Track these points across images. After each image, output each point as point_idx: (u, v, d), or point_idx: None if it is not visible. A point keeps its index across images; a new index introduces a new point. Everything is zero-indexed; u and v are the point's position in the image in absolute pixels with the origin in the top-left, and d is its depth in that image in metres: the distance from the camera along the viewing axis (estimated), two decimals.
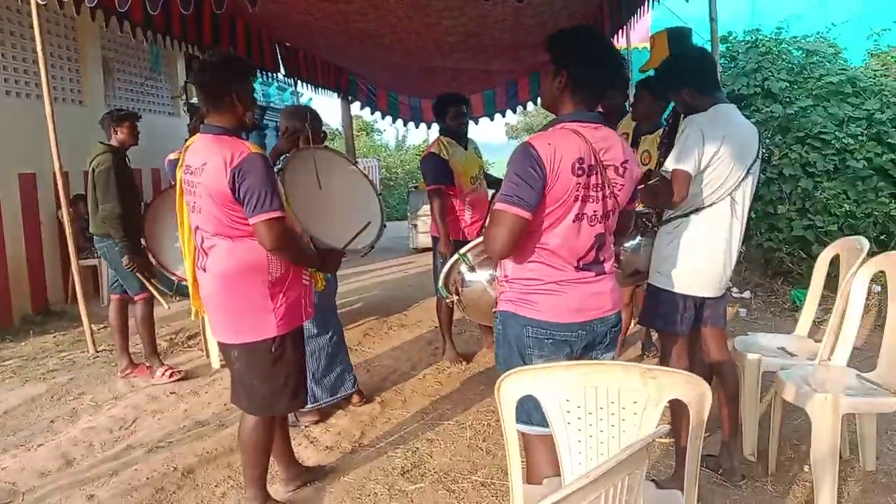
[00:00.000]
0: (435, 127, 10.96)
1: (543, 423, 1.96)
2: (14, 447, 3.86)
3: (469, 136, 5.04)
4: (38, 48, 5.33)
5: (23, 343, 6.02)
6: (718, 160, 2.84)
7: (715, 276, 2.99)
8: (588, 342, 2.34)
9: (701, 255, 2.95)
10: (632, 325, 5.09)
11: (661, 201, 2.97)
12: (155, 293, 4.91)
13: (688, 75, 3.02)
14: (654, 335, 4.71)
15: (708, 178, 2.87)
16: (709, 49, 5.29)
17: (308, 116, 3.97)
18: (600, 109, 2.43)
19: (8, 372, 5.21)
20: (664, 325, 3.09)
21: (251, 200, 2.57)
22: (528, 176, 2.15)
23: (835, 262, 3.59)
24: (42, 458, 3.70)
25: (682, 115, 3.17)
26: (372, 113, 11.33)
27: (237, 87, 2.71)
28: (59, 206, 6.27)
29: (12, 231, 6.69)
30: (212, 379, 4.93)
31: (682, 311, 3.00)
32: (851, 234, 4.69)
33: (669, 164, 2.85)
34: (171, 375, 4.90)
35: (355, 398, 4.27)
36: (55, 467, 3.62)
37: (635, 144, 4.38)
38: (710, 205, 2.91)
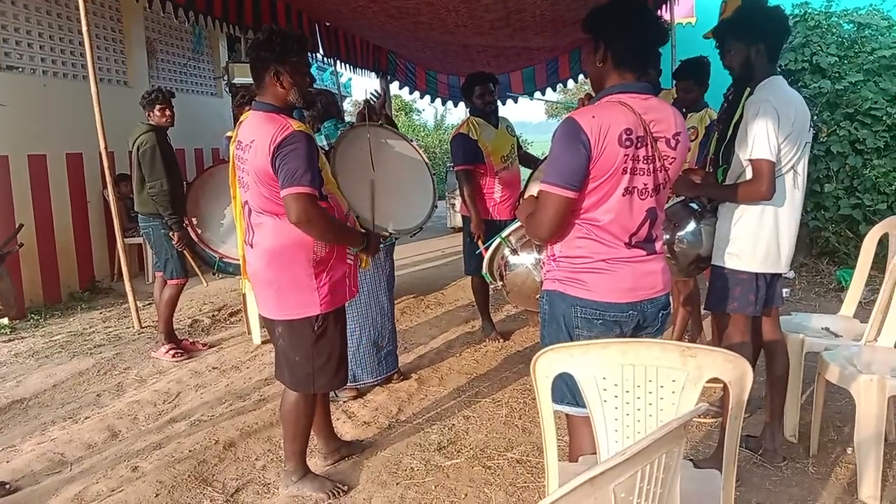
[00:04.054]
0: None
1: None
2: (62, 419, 3.98)
3: (503, 114, 5.01)
4: (84, 30, 5.42)
5: (71, 319, 6.19)
6: (790, 136, 2.73)
7: (786, 249, 2.89)
8: (637, 323, 2.26)
9: (773, 230, 2.84)
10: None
11: (741, 198, 2.81)
12: (196, 269, 5.00)
13: (766, 30, 2.81)
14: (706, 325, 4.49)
15: (780, 153, 2.77)
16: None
17: (321, 102, 3.95)
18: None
19: (56, 347, 5.36)
20: (739, 307, 2.91)
21: (284, 174, 2.57)
22: (571, 152, 2.08)
23: (883, 242, 3.50)
24: (89, 430, 3.81)
25: (747, 92, 3.02)
26: (411, 92, 11.29)
27: (277, 65, 2.68)
28: (104, 186, 6.40)
29: (60, 210, 6.87)
30: (253, 355, 5.01)
31: (756, 290, 2.89)
32: None
33: (749, 152, 2.71)
34: (172, 355, 4.95)
35: (394, 376, 4.31)
36: (101, 439, 3.72)
37: None
38: (778, 177, 2.78)
